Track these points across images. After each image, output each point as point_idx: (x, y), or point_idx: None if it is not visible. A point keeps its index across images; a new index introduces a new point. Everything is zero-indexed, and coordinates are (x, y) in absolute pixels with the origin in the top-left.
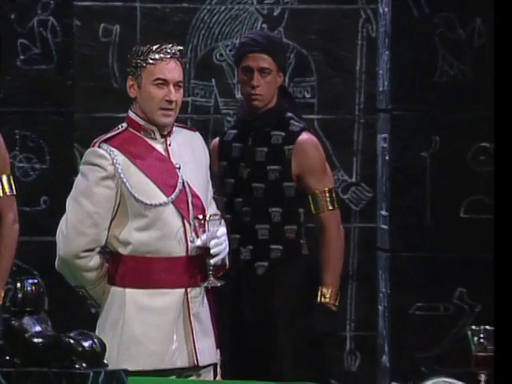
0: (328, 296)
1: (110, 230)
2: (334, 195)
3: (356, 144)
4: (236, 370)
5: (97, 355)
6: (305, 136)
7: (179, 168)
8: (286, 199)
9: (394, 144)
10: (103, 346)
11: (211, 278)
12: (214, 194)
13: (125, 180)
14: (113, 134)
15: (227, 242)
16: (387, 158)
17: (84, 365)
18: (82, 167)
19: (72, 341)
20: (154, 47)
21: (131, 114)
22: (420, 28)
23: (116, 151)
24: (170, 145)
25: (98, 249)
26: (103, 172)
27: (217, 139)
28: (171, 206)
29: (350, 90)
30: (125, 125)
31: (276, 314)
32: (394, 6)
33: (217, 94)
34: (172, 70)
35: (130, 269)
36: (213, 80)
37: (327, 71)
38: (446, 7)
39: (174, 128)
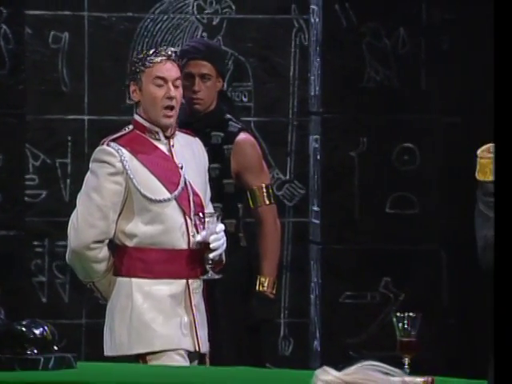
0: (266, 285)
1: (118, 223)
2: (270, 191)
3: (290, 144)
4: None
5: (47, 342)
6: (243, 136)
7: (181, 167)
8: (225, 195)
9: (324, 144)
10: (54, 333)
11: (210, 272)
12: None
13: (132, 176)
14: (120, 134)
15: (225, 237)
16: (318, 157)
17: (35, 351)
18: (91, 165)
19: (24, 328)
20: (150, 52)
21: (136, 117)
22: (348, 37)
23: (123, 149)
24: (173, 146)
25: (106, 241)
26: (112, 168)
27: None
28: (174, 202)
29: (284, 94)
30: (131, 127)
31: (217, 302)
32: (324, 16)
33: None
34: (169, 69)
35: (135, 260)
36: None
37: (263, 77)
38: (373, 18)
39: (177, 132)
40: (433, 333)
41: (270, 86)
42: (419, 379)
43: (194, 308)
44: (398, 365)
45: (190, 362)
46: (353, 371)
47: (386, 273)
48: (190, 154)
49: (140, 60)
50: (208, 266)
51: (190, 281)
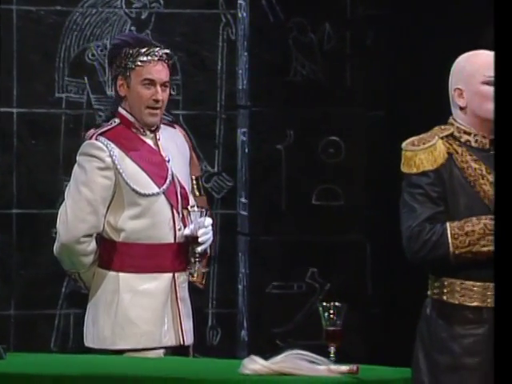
0: (196, 275)
1: (106, 217)
2: (200, 183)
3: (218, 137)
4: None
5: None
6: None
7: (168, 161)
8: None
9: (252, 137)
10: None
11: (197, 265)
12: None
13: (121, 171)
14: (107, 128)
15: (212, 232)
16: (246, 150)
17: None
18: (79, 158)
19: None
20: (143, 50)
21: (122, 111)
22: (275, 32)
23: (112, 144)
24: (159, 139)
25: (95, 235)
26: (101, 163)
27: (92, 130)
28: (162, 196)
29: (212, 88)
30: (117, 120)
31: None
32: (251, 11)
33: (89, 91)
34: (159, 72)
35: (123, 255)
36: (85, 78)
37: (191, 71)
38: (299, 13)
39: (161, 125)
40: (358, 322)
41: (198, 80)
42: (344, 367)
43: (179, 301)
44: (324, 353)
45: (169, 355)
46: (280, 360)
47: (312, 263)
48: (174, 147)
49: (131, 56)
50: (195, 260)
51: (176, 274)
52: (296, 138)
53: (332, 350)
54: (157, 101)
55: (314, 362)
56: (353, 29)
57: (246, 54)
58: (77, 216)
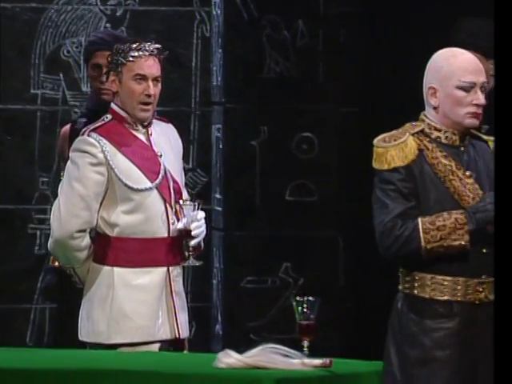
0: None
1: (99, 213)
2: None
3: (192, 134)
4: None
5: None
6: None
7: (161, 156)
8: None
9: (226, 134)
10: None
11: (191, 259)
12: (62, 176)
13: (113, 166)
14: (99, 124)
15: (205, 225)
16: (221, 146)
17: None
18: (72, 154)
19: None
20: (134, 45)
21: (114, 107)
22: (249, 29)
23: (104, 139)
24: (151, 134)
25: (88, 230)
26: (94, 159)
27: (68, 126)
28: (155, 190)
29: (187, 84)
30: (109, 116)
31: None
32: (225, 8)
33: (64, 87)
34: (150, 67)
35: (117, 249)
36: (60, 74)
37: (166, 67)
38: (272, 11)
39: (153, 119)
40: (331, 316)
41: (173, 77)
42: (317, 361)
43: (174, 295)
44: (298, 347)
45: (166, 349)
46: (254, 354)
47: (285, 258)
48: (166, 142)
49: (122, 51)
50: (188, 253)
51: (170, 268)
52: (270, 134)
53: (305, 343)
54: (149, 96)
55: (287, 356)
56: (326, 26)
57: (220, 51)
58: (70, 211)
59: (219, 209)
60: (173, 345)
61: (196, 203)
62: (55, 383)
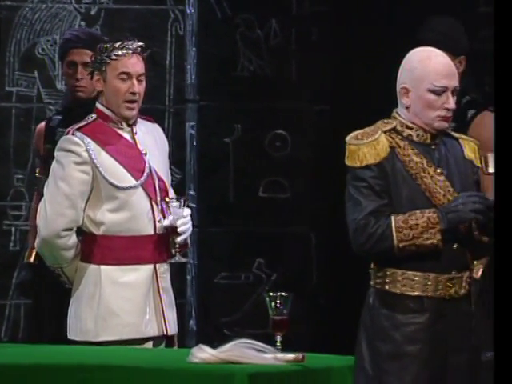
0: None
1: (85, 211)
2: None
3: (167, 131)
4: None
5: None
6: None
7: (145, 154)
8: None
9: (200, 131)
10: None
11: (177, 256)
12: (37, 173)
13: (98, 165)
14: (84, 123)
15: (191, 222)
16: (195, 143)
17: None
18: (57, 154)
19: None
20: (117, 44)
21: (99, 106)
22: (223, 28)
23: (88, 138)
24: (136, 133)
25: (75, 228)
26: (78, 158)
27: (43, 124)
28: (140, 188)
29: (161, 82)
30: (94, 115)
31: None
32: (199, 7)
33: (39, 85)
34: (134, 64)
35: (103, 248)
36: (35, 72)
37: None
38: (246, 9)
39: (138, 119)
40: (303, 311)
41: (147, 75)
42: (290, 356)
43: (161, 291)
44: (271, 342)
45: (157, 346)
46: (227, 349)
47: (258, 254)
48: (151, 141)
49: (106, 50)
50: (175, 250)
51: (157, 265)
52: (243, 131)
53: (278, 338)
54: (133, 93)
55: (260, 351)
56: (298, 25)
57: (194, 49)
58: (55, 210)
59: (193, 205)
60: (160, 341)
61: (182, 200)
62: (29, 378)
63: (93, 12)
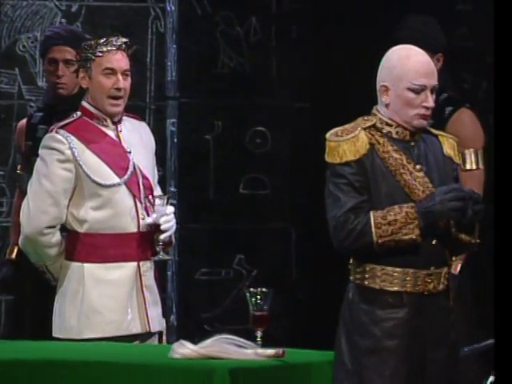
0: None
1: (68, 209)
2: None
3: None
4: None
5: None
6: None
7: (130, 152)
8: None
9: (181, 128)
10: None
11: (161, 253)
12: (18, 170)
13: (81, 163)
14: (68, 121)
15: (175, 219)
16: (175, 140)
17: None
18: (40, 151)
19: None
20: (101, 41)
21: (84, 104)
22: (203, 25)
23: (72, 136)
24: (120, 131)
25: (58, 226)
26: (61, 155)
27: (24, 120)
28: (124, 186)
29: (142, 79)
30: (79, 113)
31: None
32: (180, 4)
33: (20, 82)
34: (119, 60)
35: (87, 245)
36: (16, 69)
37: None
38: (226, 7)
39: (124, 117)
40: (283, 307)
41: None
42: (271, 351)
43: (144, 289)
44: (251, 338)
45: (142, 342)
46: (208, 344)
47: (239, 250)
48: (137, 139)
49: (90, 47)
50: (158, 248)
51: (140, 263)
52: (224, 128)
53: (259, 334)
54: (118, 89)
55: (241, 346)
56: (278, 22)
57: (174, 46)
58: (38, 208)
59: (174, 202)
60: (144, 340)
61: (165, 198)
62: (9, 374)
63: (74, 9)
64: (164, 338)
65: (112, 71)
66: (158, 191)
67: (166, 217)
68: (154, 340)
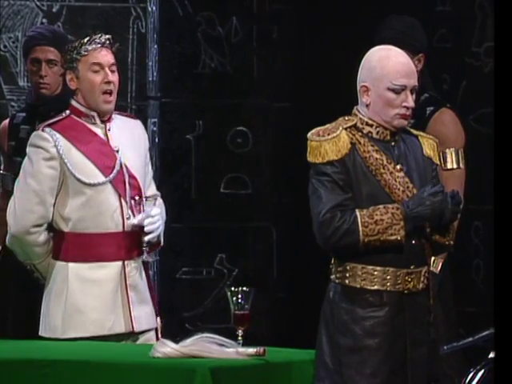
0: None
1: (55, 208)
2: None
3: None
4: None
5: None
6: None
7: (117, 151)
8: None
9: (163, 128)
10: None
11: (145, 254)
12: (1, 170)
13: (66, 161)
14: (56, 119)
15: (161, 221)
16: (157, 140)
17: None
18: (27, 149)
19: None
20: (85, 40)
21: (73, 103)
22: (185, 25)
23: (58, 134)
24: (109, 129)
25: (45, 225)
26: (46, 153)
27: (6, 121)
28: (109, 185)
29: (123, 79)
30: (68, 112)
31: None
32: (161, 5)
33: (1, 82)
34: (104, 55)
35: (71, 244)
36: None
37: None
38: (207, 7)
39: (115, 115)
40: (264, 306)
41: None
42: (252, 350)
43: (128, 289)
44: (233, 336)
45: (125, 342)
46: (190, 343)
47: (220, 249)
48: (128, 137)
49: (75, 49)
50: (143, 248)
51: (126, 262)
52: (205, 128)
53: (240, 333)
54: (109, 82)
55: (222, 345)
56: (259, 23)
57: (155, 46)
58: (24, 207)
59: None
60: (127, 339)
61: (154, 199)
62: None
63: (55, 9)
64: (159, 335)
65: (99, 66)
66: (152, 189)
67: (151, 219)
68: (152, 337)
